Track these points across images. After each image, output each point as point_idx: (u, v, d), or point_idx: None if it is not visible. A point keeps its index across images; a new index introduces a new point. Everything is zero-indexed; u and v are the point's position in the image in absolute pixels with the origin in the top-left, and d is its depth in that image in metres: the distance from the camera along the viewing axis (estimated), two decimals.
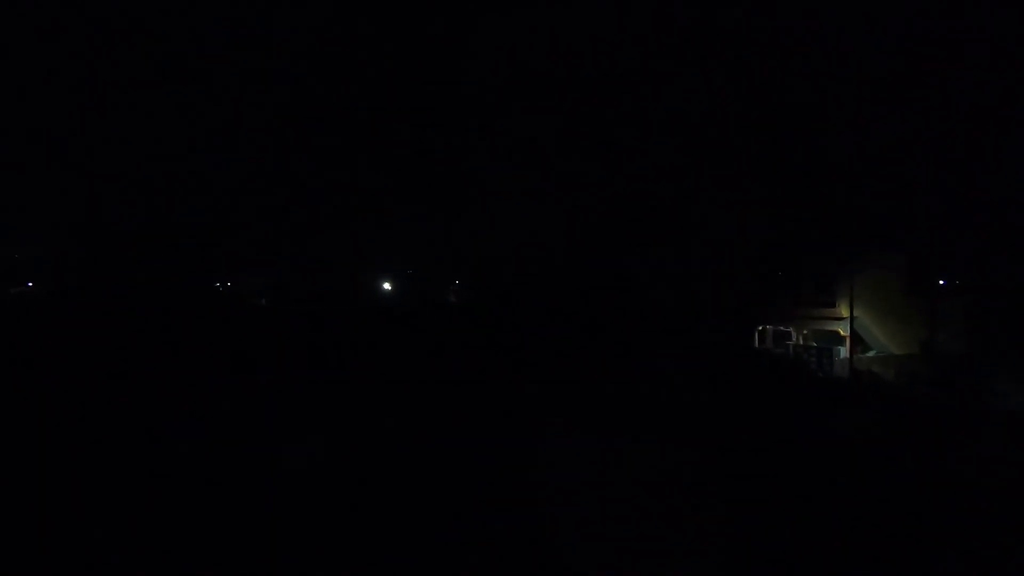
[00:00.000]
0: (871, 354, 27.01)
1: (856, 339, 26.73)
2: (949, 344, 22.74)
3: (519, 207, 31.06)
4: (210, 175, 48.67)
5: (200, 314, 32.70)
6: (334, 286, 42.71)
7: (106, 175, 50.26)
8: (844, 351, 26.28)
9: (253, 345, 25.79)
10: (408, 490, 11.72)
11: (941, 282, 28.64)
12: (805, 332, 29.03)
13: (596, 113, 30.75)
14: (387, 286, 44.13)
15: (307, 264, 46.94)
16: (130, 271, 39.81)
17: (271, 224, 48.54)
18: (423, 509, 10.89)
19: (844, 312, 26.60)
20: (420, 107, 40.06)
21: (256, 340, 26.88)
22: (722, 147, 30.38)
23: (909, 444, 14.54)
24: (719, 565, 9.05)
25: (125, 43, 49.59)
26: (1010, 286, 23.92)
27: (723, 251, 29.76)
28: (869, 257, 27.11)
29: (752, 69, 30.55)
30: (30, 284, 42.00)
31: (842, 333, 26.77)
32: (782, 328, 29.92)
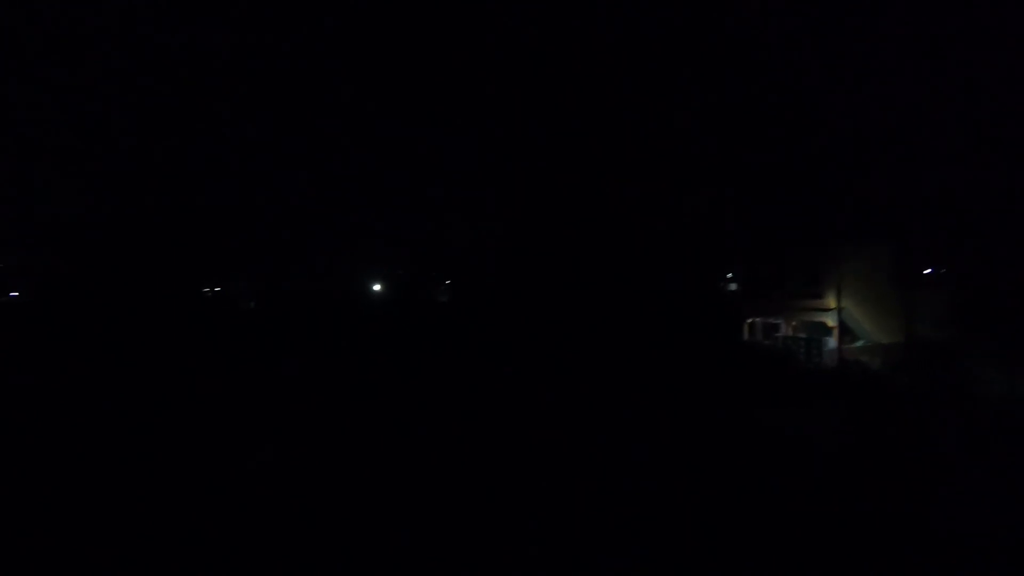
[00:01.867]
0: (859, 344, 27.16)
1: (844, 329, 26.89)
2: (934, 332, 22.90)
3: (506, 206, 31.07)
4: (199, 180, 48.40)
5: (188, 319, 32.54)
6: (324, 288, 42.58)
7: (93, 181, 49.81)
8: (832, 341, 26.45)
9: (239, 348, 25.69)
10: (391, 486, 11.68)
11: (927, 271, 28.89)
12: (794, 323, 29.19)
13: (583, 113, 30.79)
14: (377, 287, 44.03)
15: (296, 267, 46.80)
16: (119, 278, 39.46)
17: (260, 228, 48.35)
18: (406, 506, 10.86)
19: (832, 303, 26.74)
20: (410, 109, 40.02)
21: (242, 343, 26.78)
22: (711, 143, 30.50)
23: (891, 431, 14.65)
24: (705, 562, 9.05)
25: (106, 43, 49.21)
26: (994, 275, 24.13)
27: (710, 246, 29.87)
28: (856, 248, 27.31)
29: (739, 64, 30.71)
30: (14, 294, 41.56)
31: (830, 324, 26.92)
32: (771, 320, 30.09)
